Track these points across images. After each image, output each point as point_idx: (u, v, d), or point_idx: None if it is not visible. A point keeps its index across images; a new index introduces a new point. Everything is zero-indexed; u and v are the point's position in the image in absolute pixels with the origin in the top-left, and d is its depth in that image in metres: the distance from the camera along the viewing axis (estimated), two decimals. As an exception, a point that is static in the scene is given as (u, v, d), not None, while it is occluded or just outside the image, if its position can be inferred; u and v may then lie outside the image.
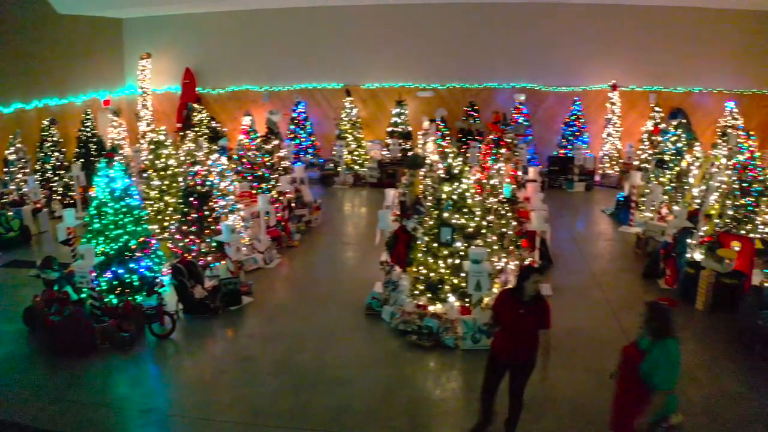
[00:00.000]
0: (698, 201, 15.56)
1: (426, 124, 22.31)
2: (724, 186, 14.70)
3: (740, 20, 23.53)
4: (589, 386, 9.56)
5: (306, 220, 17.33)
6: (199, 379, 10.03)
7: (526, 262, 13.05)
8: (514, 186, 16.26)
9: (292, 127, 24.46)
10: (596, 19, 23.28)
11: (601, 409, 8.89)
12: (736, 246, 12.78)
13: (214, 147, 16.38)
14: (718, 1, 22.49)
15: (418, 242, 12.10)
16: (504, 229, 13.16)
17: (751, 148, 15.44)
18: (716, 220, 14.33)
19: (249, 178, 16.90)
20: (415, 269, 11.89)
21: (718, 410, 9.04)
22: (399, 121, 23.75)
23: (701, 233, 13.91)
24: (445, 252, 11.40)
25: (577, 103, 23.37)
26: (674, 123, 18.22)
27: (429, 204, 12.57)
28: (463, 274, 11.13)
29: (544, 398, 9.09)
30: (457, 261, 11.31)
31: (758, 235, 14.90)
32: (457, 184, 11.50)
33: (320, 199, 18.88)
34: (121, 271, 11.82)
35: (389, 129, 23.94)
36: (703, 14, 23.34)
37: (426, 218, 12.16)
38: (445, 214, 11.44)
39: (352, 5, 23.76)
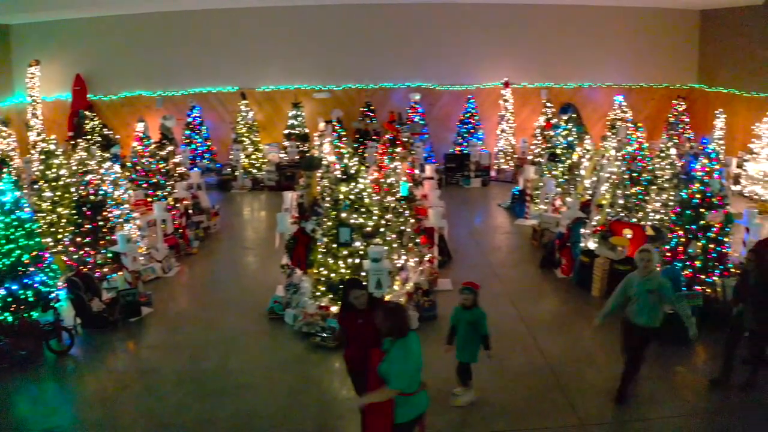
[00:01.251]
0: (590, 192, 16.04)
1: (322, 125, 22.27)
2: (614, 176, 15.16)
3: (627, 17, 24.47)
4: (492, 378, 9.71)
5: (204, 226, 17.05)
6: (102, 394, 9.70)
7: (420, 260, 13.21)
8: (412, 184, 16.41)
9: (188, 132, 24.00)
10: (488, 18, 23.75)
11: (505, 400, 9.11)
12: (628, 233, 13.27)
13: (107, 155, 15.95)
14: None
15: (318, 243, 12.08)
16: (402, 227, 13.24)
17: (639, 140, 15.92)
18: (608, 210, 14.77)
19: (144, 185, 16.46)
20: (315, 271, 11.84)
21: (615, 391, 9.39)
22: (295, 123, 23.63)
23: (594, 223, 14.35)
24: (345, 252, 11.39)
25: (471, 100, 23.73)
26: (565, 117, 18.67)
27: (327, 205, 12.55)
28: (363, 273, 11.15)
29: (447, 391, 9.18)
30: (357, 260, 11.32)
31: (649, 223, 15.45)
32: (354, 184, 11.50)
33: (218, 205, 18.62)
34: (14, 287, 11.33)
35: (286, 131, 23.77)
36: (591, 12, 24.17)
37: (324, 219, 12.14)
38: (344, 215, 11.43)
39: (245, 7, 23.51)
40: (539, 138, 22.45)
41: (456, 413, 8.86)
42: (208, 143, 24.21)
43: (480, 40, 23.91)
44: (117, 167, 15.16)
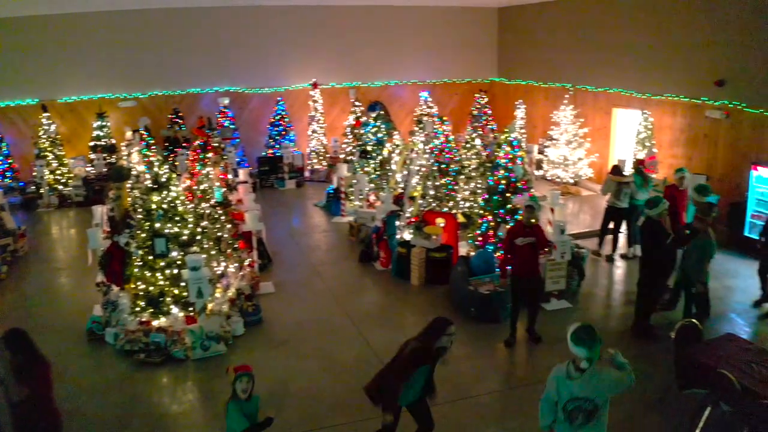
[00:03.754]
0: (402, 185, 16.44)
1: (129, 134, 21.52)
2: (424, 169, 15.67)
3: (430, 16, 25.28)
4: (324, 374, 9.81)
5: (11, 249, 16.04)
6: None
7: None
8: (226, 189, 16.24)
9: (-16, 151, 22.53)
10: (294, 20, 23.74)
11: (340, 394, 9.19)
12: (441, 222, 13.74)
13: None
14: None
15: (133, 257, 11.69)
16: (219, 233, 13.07)
17: (445, 133, 16.53)
18: (420, 201, 15.24)
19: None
20: (133, 285, 11.43)
21: (446, 374, 9.68)
22: (101, 134, 22.70)
23: (408, 215, 14.76)
24: (162, 263, 11.07)
25: (281, 102, 23.68)
26: (374, 115, 19.04)
27: (139, 216, 12.16)
28: (183, 284, 10.92)
29: (282, 392, 9.22)
30: (176, 271, 11.05)
31: (460, 210, 16.08)
32: (165, 192, 11.24)
33: (24, 226, 17.56)
34: None
35: (92, 143, 22.77)
36: (395, 12, 24.78)
37: (138, 231, 11.75)
38: (157, 225, 11.12)
39: (41, 15, 22.22)
40: (350, 136, 22.73)
41: (294, 411, 8.86)
42: (9, 161, 22.78)
43: (287, 42, 23.90)
44: None
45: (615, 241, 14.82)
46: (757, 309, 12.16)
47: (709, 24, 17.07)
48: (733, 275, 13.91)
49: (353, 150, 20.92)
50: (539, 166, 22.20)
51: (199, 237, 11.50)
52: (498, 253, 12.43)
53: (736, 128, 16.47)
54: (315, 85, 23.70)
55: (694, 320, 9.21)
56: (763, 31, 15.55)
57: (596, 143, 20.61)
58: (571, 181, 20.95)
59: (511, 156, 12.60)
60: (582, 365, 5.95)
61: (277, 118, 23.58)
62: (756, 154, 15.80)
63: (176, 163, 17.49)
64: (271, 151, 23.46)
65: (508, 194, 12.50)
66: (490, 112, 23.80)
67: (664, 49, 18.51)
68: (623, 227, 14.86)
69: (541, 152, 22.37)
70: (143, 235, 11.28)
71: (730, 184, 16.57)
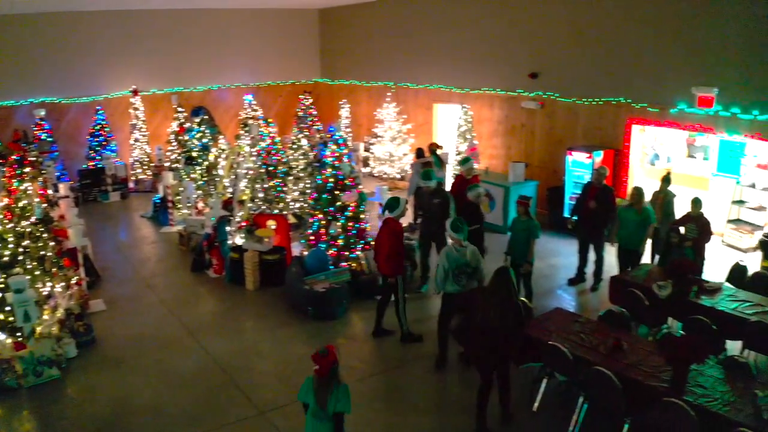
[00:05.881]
0: (230, 190, 16.26)
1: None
2: (251, 172, 15.57)
3: (252, 19, 25.08)
4: (165, 388, 9.57)
5: None
6: None
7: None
8: (46, 205, 15.48)
9: None
10: (111, 25, 22.76)
11: (182, 406, 9.00)
12: (272, 224, 13.72)
13: None
14: (229, 2, 23.73)
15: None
16: (43, 252, 12.45)
17: (271, 135, 16.50)
18: (250, 204, 15.14)
19: None
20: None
21: (289, 374, 9.78)
22: None
23: (238, 219, 14.62)
24: (-19, 287, 10.48)
25: (101, 112, 22.74)
26: (197, 120, 18.73)
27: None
28: (8, 308, 10.34)
29: (124, 411, 8.95)
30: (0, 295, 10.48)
31: (290, 211, 16.12)
32: (-20, 212, 10.62)
33: None
34: None
35: None
36: (216, 15, 24.38)
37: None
38: (-27, 247, 10.52)
39: None
40: (174, 143, 22.22)
41: (139, 429, 8.60)
42: None
43: (104, 48, 22.89)
44: None
45: None
46: (573, 287, 13.00)
47: (522, 19, 17.97)
48: (556, 254, 14.84)
49: (178, 157, 20.45)
50: (366, 164, 22.55)
51: (21, 257, 10.90)
52: (331, 251, 12.61)
53: (551, 117, 17.44)
54: (135, 92, 22.97)
55: (523, 298, 9.71)
56: (573, 24, 16.55)
57: (419, 138, 21.18)
58: (398, 176, 21.45)
59: (337, 154, 12.75)
60: (463, 243, 9.37)
61: (97, 128, 22.62)
62: (570, 141, 16.78)
63: (-8, 181, 16.47)
64: (92, 163, 22.52)
65: (336, 192, 12.64)
66: (315, 112, 23.91)
67: (480, 46, 19.31)
68: None
69: (367, 149, 22.74)
70: (-43, 258, 10.59)
71: (548, 170, 17.51)
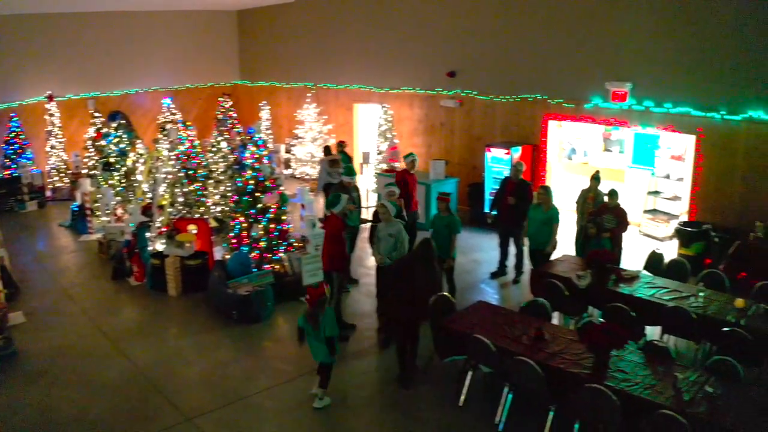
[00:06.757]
0: (149, 195, 16.06)
1: None
2: (171, 176, 15.41)
3: (170, 21, 24.82)
4: (89, 399, 9.36)
5: None
6: None
7: None
8: (-41, 217, 15.09)
9: None
10: (24, 30, 22.15)
11: (107, 417, 8.86)
12: (193, 229, 13.59)
13: None
14: (146, 4, 23.36)
15: None
16: (-43, 265, 12.16)
17: (190, 138, 16.36)
18: (170, 209, 14.98)
19: None
20: None
21: (215, 379, 9.74)
22: None
23: (158, 224, 14.45)
24: None
25: (15, 119, 22.13)
26: (115, 125, 18.43)
27: None
28: None
29: (48, 424, 8.75)
30: None
31: (211, 215, 16.00)
32: None
33: None
34: None
35: None
36: (133, 18, 24.05)
37: None
38: None
39: None
40: (92, 149, 21.78)
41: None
42: None
43: (17, 53, 22.23)
44: None
45: None
46: (495, 280, 13.24)
47: (439, 19, 18.23)
48: (478, 249, 15.09)
49: (96, 163, 20.07)
50: (288, 165, 22.53)
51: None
52: (254, 253, 12.57)
53: (470, 115, 17.74)
54: (50, 98, 22.43)
55: (446, 293, 9.86)
56: (489, 23, 16.89)
57: (340, 138, 21.22)
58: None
59: (257, 156, 12.71)
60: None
61: (11, 135, 22.05)
62: (489, 137, 17.07)
63: None
64: (7, 171, 21.95)
65: (257, 194, 12.60)
66: (235, 115, 23.74)
67: (399, 46, 19.53)
68: None
69: (288, 151, 22.73)
70: None
71: (467, 167, 17.77)
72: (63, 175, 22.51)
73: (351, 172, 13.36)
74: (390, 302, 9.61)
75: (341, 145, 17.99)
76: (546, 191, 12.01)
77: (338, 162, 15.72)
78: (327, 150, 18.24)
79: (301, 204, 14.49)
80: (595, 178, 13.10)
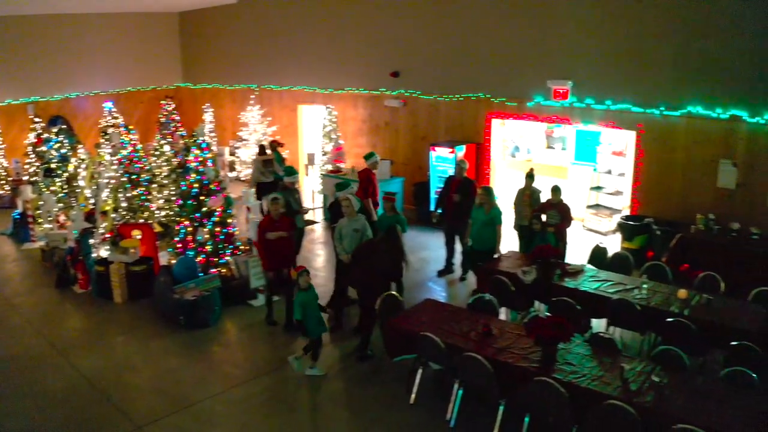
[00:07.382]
0: (92, 201, 15.87)
1: None
2: (113, 181, 15.25)
3: (110, 24, 24.47)
4: (35, 410, 9.21)
5: None
6: None
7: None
8: None
9: None
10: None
11: (56, 429, 8.75)
12: (137, 234, 13.46)
13: None
14: (85, 6, 23.00)
15: None
16: None
17: (133, 142, 16.19)
18: (113, 215, 14.83)
19: None
20: None
21: (164, 385, 9.69)
22: None
23: (102, 230, 14.30)
24: None
25: (-48, 126, 21.75)
26: (55, 130, 18.16)
27: None
28: None
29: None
30: None
31: (156, 220, 15.86)
32: None
33: None
34: None
35: None
36: (73, 21, 23.60)
37: None
38: None
39: None
40: (32, 155, 21.42)
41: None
42: None
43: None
44: None
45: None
46: (443, 278, 13.40)
47: (382, 19, 18.33)
48: (424, 248, 15.26)
49: (37, 170, 19.76)
50: (232, 168, 22.44)
51: None
52: (200, 257, 12.51)
53: (414, 114, 17.88)
54: (-10, 103, 22.05)
55: (393, 292, 9.96)
56: (431, 23, 17.04)
57: (285, 140, 21.19)
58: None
59: (201, 159, 12.66)
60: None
61: (-51, 143, 21.61)
62: (433, 137, 17.23)
63: None
64: (-55, 180, 21.53)
65: (202, 197, 12.55)
66: (178, 118, 23.56)
67: (342, 46, 19.61)
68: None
69: (232, 153, 22.64)
70: None
71: (413, 166, 17.91)
72: (3, 182, 22.09)
73: (292, 172, 13.23)
74: (353, 273, 10.32)
75: (274, 144, 18.23)
76: (487, 192, 12.14)
77: (272, 161, 15.86)
78: (262, 149, 18.22)
79: (246, 207, 14.47)
80: (530, 176, 13.29)
